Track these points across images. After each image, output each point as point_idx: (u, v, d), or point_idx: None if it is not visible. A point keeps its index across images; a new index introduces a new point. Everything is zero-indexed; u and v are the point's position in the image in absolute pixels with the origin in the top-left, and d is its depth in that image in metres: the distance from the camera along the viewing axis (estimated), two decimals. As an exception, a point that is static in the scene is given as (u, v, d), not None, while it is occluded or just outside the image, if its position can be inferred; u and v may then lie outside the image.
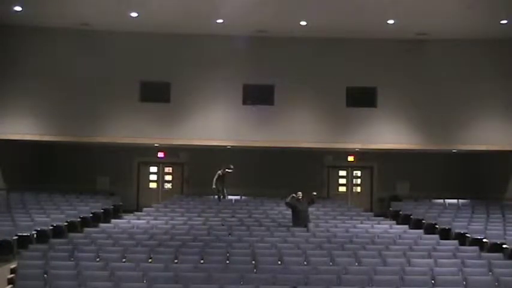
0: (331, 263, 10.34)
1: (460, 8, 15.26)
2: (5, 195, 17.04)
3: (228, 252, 10.73)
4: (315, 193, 13.87)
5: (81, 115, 17.77)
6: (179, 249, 10.83)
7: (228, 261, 10.19)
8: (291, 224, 13.64)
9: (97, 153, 20.48)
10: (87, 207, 16.38)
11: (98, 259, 10.06)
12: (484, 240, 13.39)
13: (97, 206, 16.90)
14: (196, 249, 10.91)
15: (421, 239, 12.73)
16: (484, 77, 18.14)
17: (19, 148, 18.79)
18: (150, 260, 10.18)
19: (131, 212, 16.67)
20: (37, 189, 18.49)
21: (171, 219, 14.45)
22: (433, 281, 9.26)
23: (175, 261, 10.15)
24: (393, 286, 9.00)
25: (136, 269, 9.40)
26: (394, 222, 15.92)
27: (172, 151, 20.69)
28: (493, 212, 16.64)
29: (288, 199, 13.59)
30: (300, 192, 13.54)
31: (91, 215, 16.02)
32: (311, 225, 13.60)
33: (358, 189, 21.84)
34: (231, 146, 18.47)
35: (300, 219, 13.43)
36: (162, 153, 20.96)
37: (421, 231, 13.97)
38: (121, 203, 18.79)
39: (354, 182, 21.87)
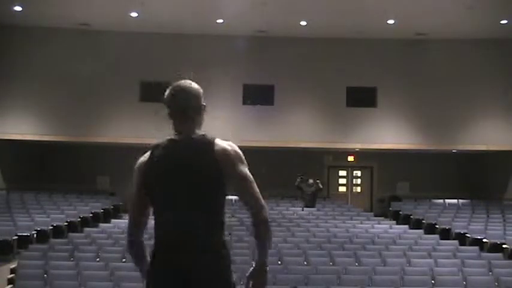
0: (331, 263, 10.34)
1: (460, 8, 15.26)
2: (5, 195, 17.04)
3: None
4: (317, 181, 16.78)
5: (81, 115, 17.77)
6: (179, 249, 10.80)
7: (228, 261, 10.17)
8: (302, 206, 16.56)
9: (97, 153, 20.46)
10: (87, 207, 16.37)
11: (98, 259, 10.06)
12: (484, 240, 13.39)
13: (97, 206, 16.89)
14: (196, 249, 10.89)
15: (421, 239, 12.73)
16: (484, 77, 18.15)
17: (19, 148, 18.79)
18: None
19: (131, 212, 16.64)
20: (37, 189, 18.48)
21: (171, 219, 14.41)
22: (433, 281, 9.26)
23: (175, 261, 10.13)
24: (393, 286, 9.00)
25: (136, 269, 9.37)
26: (394, 222, 15.92)
27: (172, 151, 20.65)
28: (493, 212, 16.64)
29: (297, 182, 16.67)
30: (311, 180, 16.77)
31: (91, 215, 16.02)
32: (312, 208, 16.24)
33: (358, 189, 21.83)
34: (231, 146, 18.44)
35: (306, 200, 16.62)
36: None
37: (421, 231, 13.98)
38: (121, 203, 18.78)
39: (354, 182, 21.87)
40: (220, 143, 2.97)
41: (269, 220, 2.95)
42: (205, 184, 2.90)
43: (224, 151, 2.94)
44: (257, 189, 2.95)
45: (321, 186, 16.89)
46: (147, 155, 3.07)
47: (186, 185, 2.89)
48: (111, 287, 8.54)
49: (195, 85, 3.11)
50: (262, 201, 2.93)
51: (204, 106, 3.11)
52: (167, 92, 3.11)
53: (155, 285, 2.99)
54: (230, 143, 3.00)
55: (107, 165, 20.83)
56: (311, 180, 16.79)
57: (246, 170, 2.96)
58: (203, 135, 3.01)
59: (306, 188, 16.76)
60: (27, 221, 13.87)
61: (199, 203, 2.90)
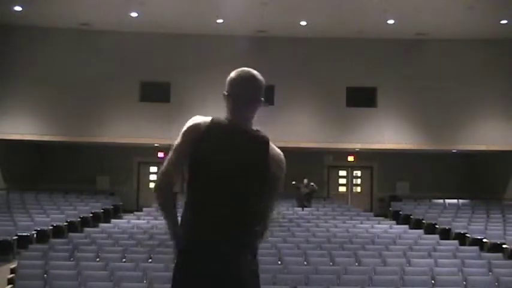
0: (331, 263, 10.33)
1: (460, 8, 15.27)
2: (5, 195, 17.04)
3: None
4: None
5: (81, 115, 17.77)
6: (179, 249, 10.79)
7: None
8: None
9: (97, 153, 20.47)
10: (87, 207, 16.37)
11: (98, 259, 10.06)
12: (484, 240, 13.39)
13: (97, 206, 16.89)
14: (196, 249, 10.87)
15: (421, 239, 12.73)
16: (484, 77, 18.15)
17: (19, 148, 18.79)
18: (150, 260, 10.18)
19: (131, 212, 16.67)
20: (37, 189, 18.49)
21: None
22: (433, 281, 9.25)
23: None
24: (393, 286, 9.00)
25: (136, 269, 9.39)
26: (394, 222, 15.92)
27: (172, 151, 20.65)
28: (493, 212, 16.64)
29: (294, 182, 16.85)
30: (306, 180, 17.10)
31: (91, 215, 16.03)
32: (309, 208, 16.79)
33: (358, 189, 21.84)
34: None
35: (299, 200, 17.00)
36: (162, 153, 20.95)
37: (421, 231, 13.97)
38: (121, 203, 18.79)
39: (354, 182, 21.87)
40: (274, 146, 2.92)
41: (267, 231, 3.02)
42: (255, 184, 2.83)
43: (277, 158, 2.90)
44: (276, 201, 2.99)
45: (315, 187, 17.16)
46: (203, 121, 2.92)
47: (238, 181, 2.81)
48: (111, 287, 8.54)
49: (261, 77, 2.98)
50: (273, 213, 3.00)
51: (262, 102, 2.98)
52: (238, 74, 2.96)
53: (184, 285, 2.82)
54: (281, 153, 2.95)
55: (107, 165, 20.85)
56: (306, 181, 17.12)
57: (277, 194, 2.97)
58: (259, 131, 2.93)
59: (303, 188, 17.07)
60: (27, 221, 13.87)
61: (246, 201, 2.83)
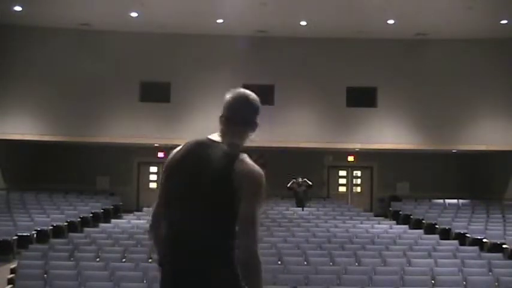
0: (331, 263, 10.34)
1: (460, 8, 15.27)
2: (5, 195, 17.04)
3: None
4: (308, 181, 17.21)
5: (81, 115, 17.77)
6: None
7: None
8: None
9: (97, 153, 20.46)
10: (87, 207, 16.38)
11: (98, 259, 10.07)
12: (484, 240, 13.40)
13: (97, 206, 16.90)
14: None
15: (421, 239, 12.74)
16: (484, 77, 18.14)
17: (19, 148, 18.79)
18: (150, 260, 10.18)
19: (131, 212, 16.67)
20: (37, 189, 18.49)
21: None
22: (433, 281, 9.26)
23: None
24: (393, 286, 9.01)
25: (136, 269, 9.40)
26: (394, 222, 15.93)
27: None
28: (493, 212, 16.64)
29: (289, 184, 17.07)
30: (300, 179, 17.14)
31: (91, 215, 16.03)
32: (306, 207, 16.77)
33: (358, 189, 21.83)
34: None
35: (297, 200, 16.96)
36: (162, 153, 20.95)
37: (421, 231, 13.98)
38: (121, 203, 18.79)
39: (354, 182, 21.87)
40: (245, 164, 2.74)
41: (259, 265, 2.67)
42: (211, 194, 2.75)
43: (247, 173, 2.72)
44: (257, 232, 2.68)
45: (309, 183, 17.18)
46: (181, 147, 2.93)
47: (192, 190, 2.78)
48: (111, 287, 8.54)
49: (256, 99, 2.91)
50: (256, 245, 2.66)
51: (256, 124, 2.91)
52: (231, 96, 2.93)
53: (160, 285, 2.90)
54: (257, 169, 2.75)
55: (107, 165, 20.84)
56: (300, 179, 17.14)
57: (255, 207, 2.70)
58: (232, 148, 2.82)
59: (297, 188, 17.09)
60: (27, 221, 13.88)
61: (203, 211, 2.76)
